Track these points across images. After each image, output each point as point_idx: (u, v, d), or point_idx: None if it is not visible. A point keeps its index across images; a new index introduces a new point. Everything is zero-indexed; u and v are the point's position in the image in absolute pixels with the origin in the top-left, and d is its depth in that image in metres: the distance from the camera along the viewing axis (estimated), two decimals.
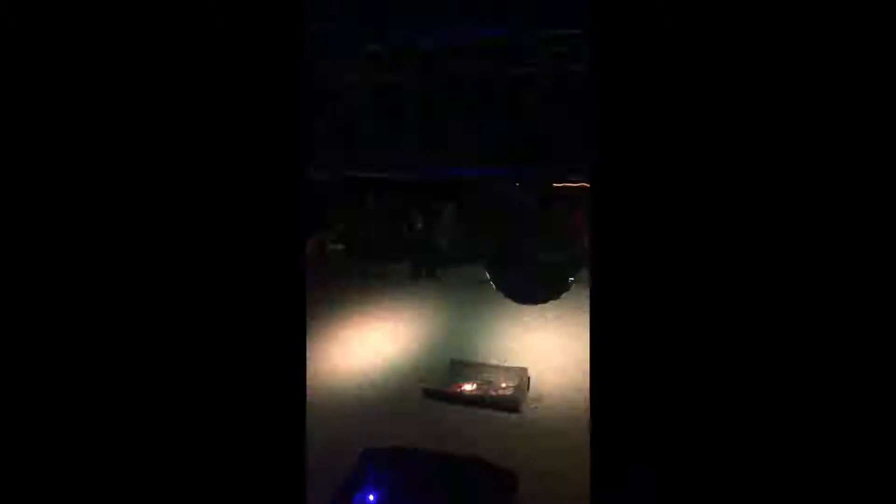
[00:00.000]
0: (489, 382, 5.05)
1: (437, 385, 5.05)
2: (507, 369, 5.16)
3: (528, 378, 5.07)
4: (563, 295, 6.14)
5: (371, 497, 2.48)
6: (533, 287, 5.84)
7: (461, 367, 5.31)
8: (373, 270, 7.77)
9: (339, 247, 7.91)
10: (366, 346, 6.03)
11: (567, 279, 5.83)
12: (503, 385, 4.96)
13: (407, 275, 8.59)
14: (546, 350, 5.86)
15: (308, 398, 1.53)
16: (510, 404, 4.71)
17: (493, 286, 6.08)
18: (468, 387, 5.04)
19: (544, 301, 5.91)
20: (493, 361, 5.46)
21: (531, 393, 4.93)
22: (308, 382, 1.59)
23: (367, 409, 4.74)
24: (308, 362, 1.57)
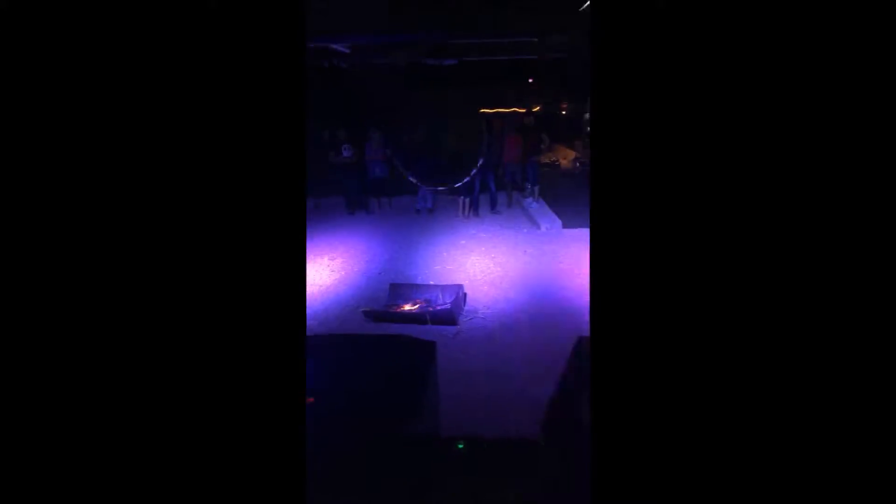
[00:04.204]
0: (427, 301, 5.28)
1: (378, 308, 5.21)
2: (444, 287, 5.41)
3: (465, 294, 5.36)
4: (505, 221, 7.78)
5: None
6: None
7: (400, 290, 5.49)
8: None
9: None
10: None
11: None
12: (441, 302, 5.21)
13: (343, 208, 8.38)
14: (481, 269, 6.19)
15: None
16: (448, 318, 4.97)
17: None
18: (408, 307, 5.24)
19: None
20: (432, 282, 5.68)
21: (467, 307, 5.24)
22: None
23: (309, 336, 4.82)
24: None
